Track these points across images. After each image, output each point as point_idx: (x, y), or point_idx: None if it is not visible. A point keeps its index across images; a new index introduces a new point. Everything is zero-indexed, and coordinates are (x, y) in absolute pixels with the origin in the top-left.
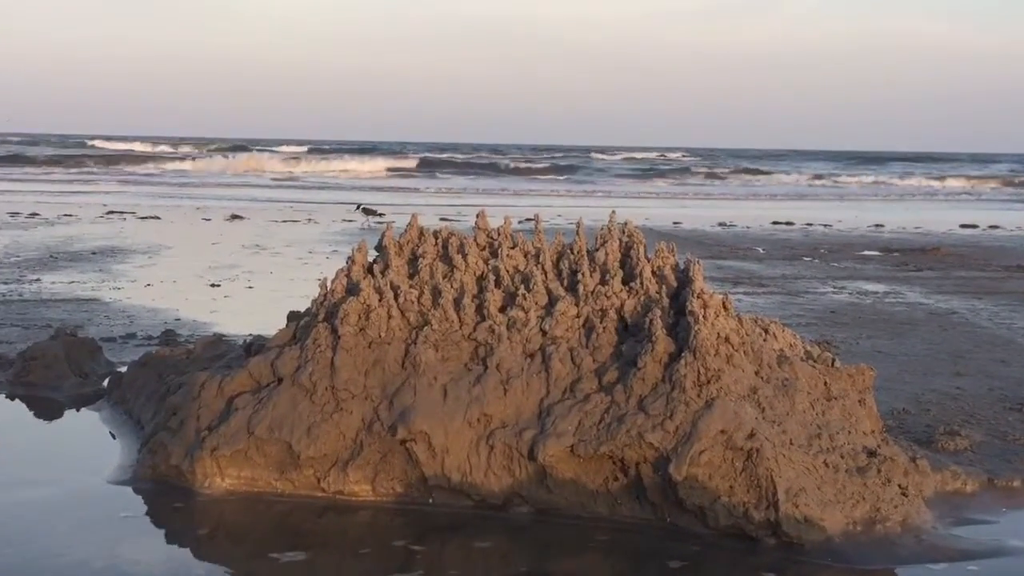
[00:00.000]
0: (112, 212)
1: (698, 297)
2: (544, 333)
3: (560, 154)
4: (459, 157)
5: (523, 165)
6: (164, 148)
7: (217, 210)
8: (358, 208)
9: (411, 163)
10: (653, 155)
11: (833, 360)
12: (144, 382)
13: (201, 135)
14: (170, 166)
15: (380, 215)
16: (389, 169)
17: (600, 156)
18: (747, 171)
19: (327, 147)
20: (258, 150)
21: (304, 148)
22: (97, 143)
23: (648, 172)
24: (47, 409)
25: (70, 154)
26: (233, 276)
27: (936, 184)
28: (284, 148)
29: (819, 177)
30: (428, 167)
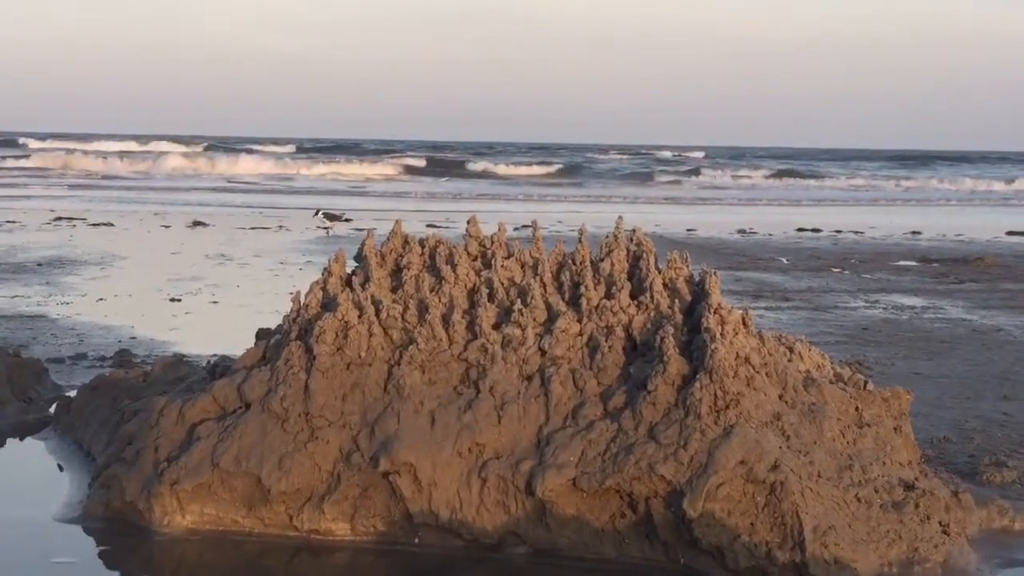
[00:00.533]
0: (60, 218)
1: (715, 313)
2: (543, 353)
3: (563, 153)
4: (450, 156)
5: (521, 165)
6: (125, 146)
7: (178, 216)
8: (317, 213)
9: (396, 165)
10: (668, 154)
11: (865, 383)
12: (95, 408)
13: (172, 132)
14: (127, 166)
15: (345, 220)
16: (373, 169)
17: (607, 156)
18: (770, 172)
19: (310, 146)
20: (230, 148)
21: (291, 148)
22: (32, 142)
23: (661, 173)
24: None
25: (9, 153)
26: (195, 289)
27: (981, 186)
28: (270, 148)
29: (850, 179)
30: (417, 168)
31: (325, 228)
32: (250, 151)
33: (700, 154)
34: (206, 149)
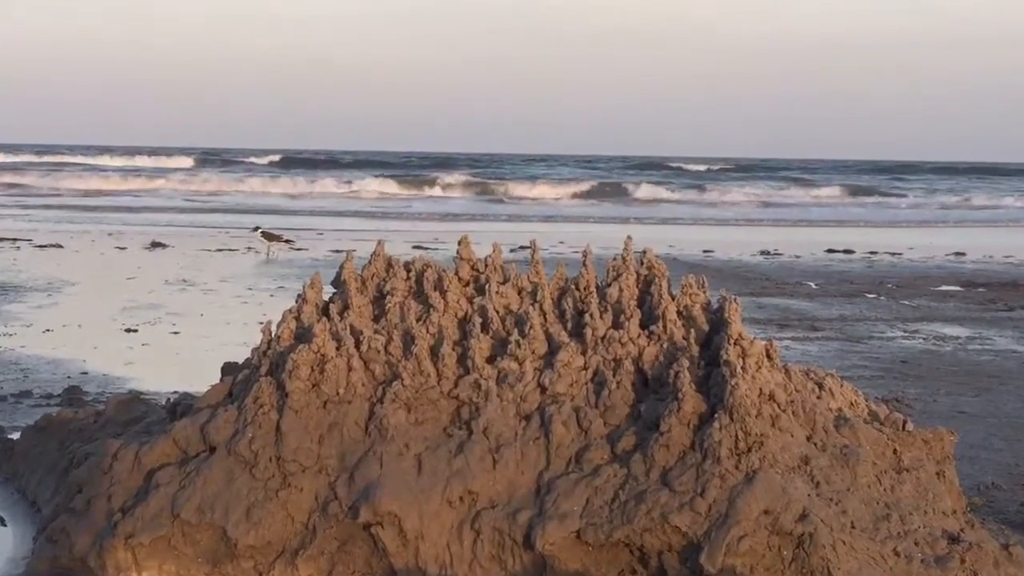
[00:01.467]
0: (2, 239)
1: (735, 344)
2: (543, 389)
3: (575, 166)
4: (442, 173)
5: (519, 176)
6: (77, 159)
7: (135, 236)
8: (255, 230)
9: (380, 181)
10: (701, 167)
11: (904, 422)
12: (41, 452)
13: (135, 142)
14: (79, 182)
15: (287, 241)
16: (347, 184)
17: (631, 174)
18: (795, 182)
19: (298, 156)
20: (202, 159)
21: (274, 158)
22: None
23: (672, 186)
24: None
25: None
26: (154, 319)
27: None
28: (243, 159)
29: (885, 194)
30: (405, 182)
31: (270, 245)
32: (226, 162)
33: (726, 166)
34: (169, 159)
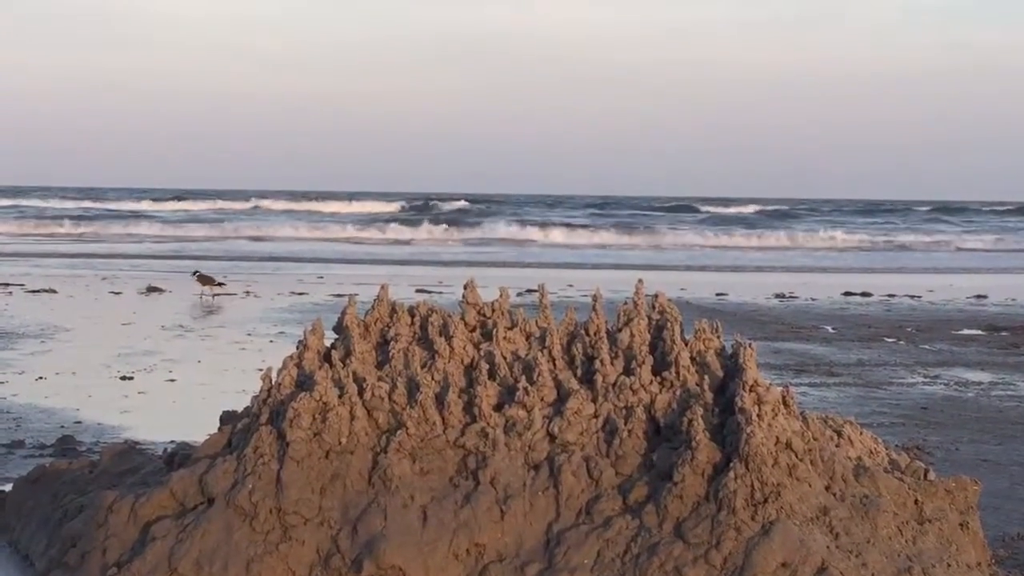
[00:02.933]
0: None
1: (750, 390)
2: (552, 438)
3: (583, 206)
4: (444, 210)
5: (523, 216)
6: (66, 205)
7: (130, 280)
8: (194, 275)
9: (378, 226)
10: (731, 209)
11: (926, 471)
12: (34, 504)
13: (131, 184)
14: (70, 226)
15: (219, 284)
16: (356, 223)
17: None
18: (813, 223)
19: (300, 195)
20: (205, 198)
21: (252, 202)
22: None
23: (683, 226)
24: None
25: None
26: (150, 366)
27: None
28: (229, 203)
29: (902, 232)
30: (409, 221)
31: (206, 288)
32: (218, 203)
33: (755, 208)
34: (174, 201)
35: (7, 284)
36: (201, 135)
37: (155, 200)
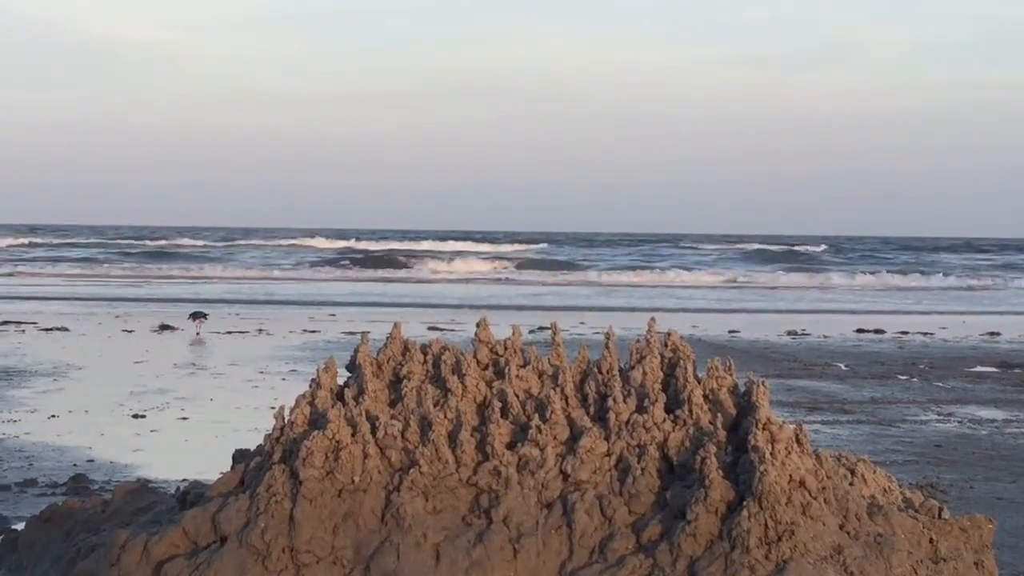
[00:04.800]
0: (6, 322)
1: (763, 428)
2: (565, 476)
3: (596, 244)
4: (456, 246)
5: (533, 255)
6: (75, 243)
7: (142, 318)
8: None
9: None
10: (729, 246)
11: (940, 510)
12: (47, 543)
13: (139, 222)
14: (82, 267)
15: (203, 316)
16: (351, 259)
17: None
18: (820, 262)
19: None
20: (217, 239)
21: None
22: None
23: (696, 264)
24: None
25: None
26: (162, 404)
27: None
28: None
29: (915, 271)
30: (417, 255)
31: (198, 322)
32: (230, 245)
33: (760, 245)
34: (173, 242)
35: (20, 322)
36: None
37: (180, 240)
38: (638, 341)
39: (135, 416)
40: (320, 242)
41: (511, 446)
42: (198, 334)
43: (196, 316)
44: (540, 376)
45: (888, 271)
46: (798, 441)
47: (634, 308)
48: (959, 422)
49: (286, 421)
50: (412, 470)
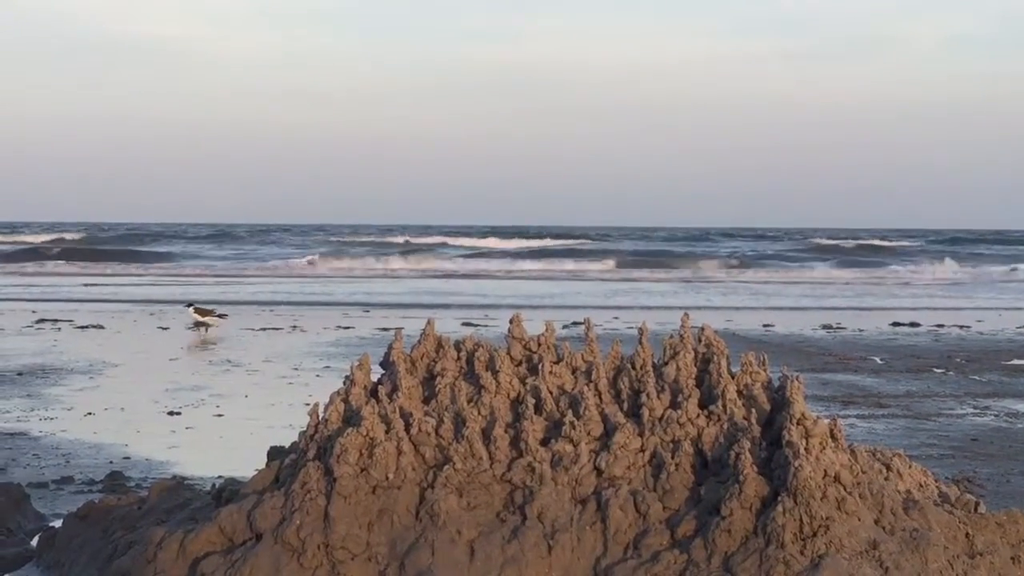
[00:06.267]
0: (43, 320)
1: (798, 424)
2: (599, 472)
3: (617, 236)
4: (486, 244)
5: (560, 245)
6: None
7: (177, 315)
8: (189, 306)
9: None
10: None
11: (977, 504)
12: (84, 540)
13: (172, 218)
14: (114, 263)
15: (221, 316)
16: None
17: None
18: (858, 254)
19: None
20: (245, 235)
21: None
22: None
23: (727, 258)
24: None
25: None
26: (197, 401)
27: None
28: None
29: (950, 260)
30: (445, 248)
31: (203, 322)
32: (264, 239)
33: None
34: (212, 236)
35: (56, 320)
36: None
37: (216, 235)
38: (672, 336)
39: (170, 413)
40: (401, 238)
41: (545, 442)
42: (205, 330)
43: (201, 312)
44: (574, 372)
45: (923, 263)
46: (833, 436)
47: (668, 306)
48: (996, 416)
49: (320, 418)
50: (446, 467)
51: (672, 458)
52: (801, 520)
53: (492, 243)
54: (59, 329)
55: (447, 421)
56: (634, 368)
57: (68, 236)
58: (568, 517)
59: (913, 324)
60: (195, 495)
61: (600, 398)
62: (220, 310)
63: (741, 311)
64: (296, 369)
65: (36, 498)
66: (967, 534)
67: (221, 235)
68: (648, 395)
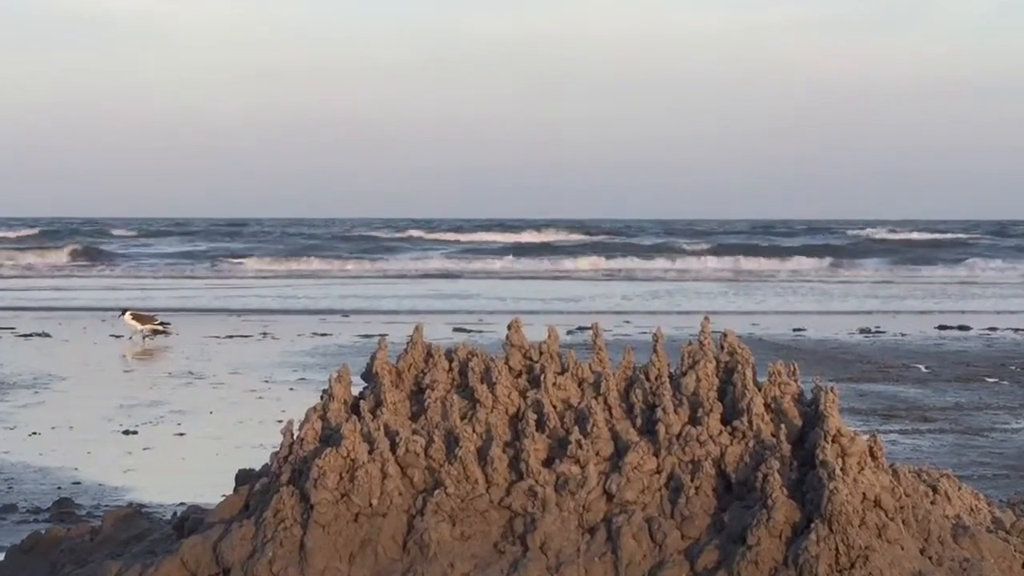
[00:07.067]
0: None
1: (833, 441)
2: (609, 496)
3: (624, 231)
4: (483, 238)
5: (559, 238)
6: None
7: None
8: (122, 315)
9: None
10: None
11: None
12: (30, 575)
13: (121, 214)
14: (61, 257)
15: (163, 324)
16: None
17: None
18: (896, 248)
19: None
20: (210, 233)
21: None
22: None
23: (752, 251)
24: None
25: None
26: (156, 418)
27: None
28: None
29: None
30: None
31: (141, 328)
32: (235, 233)
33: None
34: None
35: None
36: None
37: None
38: (690, 343)
39: (126, 432)
40: (422, 233)
41: (548, 463)
42: (144, 339)
43: (140, 319)
44: (580, 384)
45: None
46: (872, 455)
47: (686, 311)
48: None
49: (295, 437)
50: (437, 491)
51: (692, 480)
52: (837, 550)
53: (487, 237)
54: (0, 337)
55: (438, 440)
56: (648, 379)
57: (9, 235)
58: (575, 547)
59: (962, 328)
60: (154, 525)
61: (610, 413)
62: (169, 317)
63: (767, 315)
64: (267, 382)
65: None
66: None
67: (180, 231)
68: (664, 409)
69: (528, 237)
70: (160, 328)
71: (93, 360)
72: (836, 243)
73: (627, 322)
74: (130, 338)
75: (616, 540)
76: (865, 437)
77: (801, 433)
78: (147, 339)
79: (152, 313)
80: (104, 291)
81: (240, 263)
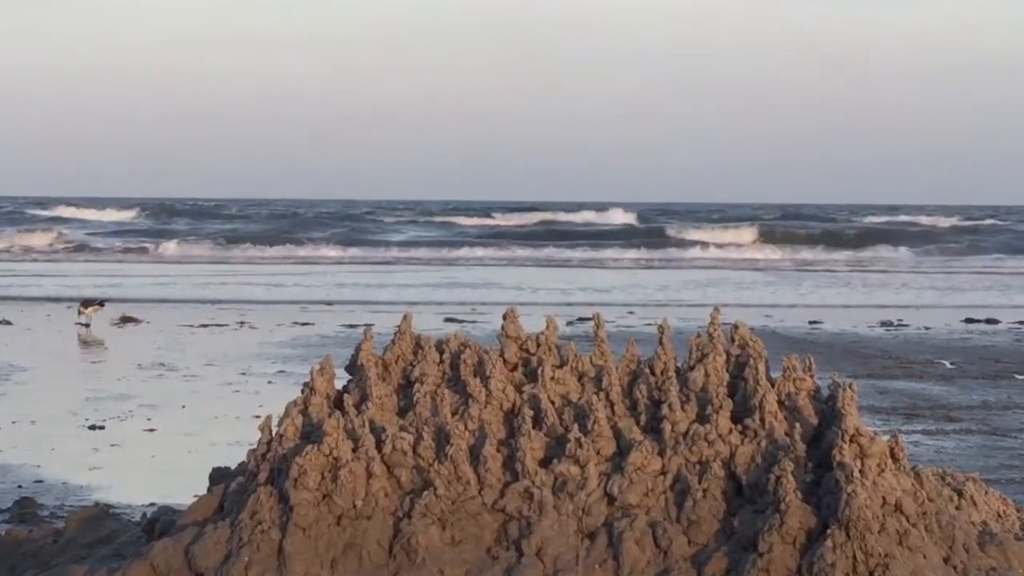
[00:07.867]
0: None
1: (851, 441)
2: (611, 499)
3: (630, 216)
4: (474, 223)
5: (562, 219)
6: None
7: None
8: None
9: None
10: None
11: None
12: None
13: (90, 192)
14: (25, 239)
15: (100, 303)
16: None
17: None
18: (917, 236)
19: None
20: (175, 212)
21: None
22: None
23: (770, 236)
24: None
25: None
26: (124, 413)
27: None
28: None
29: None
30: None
31: (87, 312)
32: (200, 215)
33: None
34: (142, 215)
35: None
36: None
37: (145, 213)
38: (699, 336)
39: (92, 428)
40: (462, 219)
41: (545, 463)
42: (87, 326)
43: (88, 304)
44: (580, 378)
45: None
46: (893, 456)
47: (693, 303)
48: None
49: (274, 434)
50: (426, 493)
51: (699, 482)
52: (855, 558)
53: (484, 221)
54: None
55: (427, 437)
56: (653, 374)
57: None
58: (573, 553)
59: (990, 321)
60: (122, 526)
61: (612, 410)
62: (140, 305)
63: (781, 307)
64: (244, 374)
65: None
66: None
67: (157, 210)
68: (670, 406)
69: (518, 220)
70: (97, 308)
71: (58, 351)
72: (852, 231)
73: (631, 312)
74: (87, 325)
75: (618, 546)
76: (886, 437)
77: (817, 432)
78: (83, 325)
79: (100, 298)
80: (77, 277)
81: (222, 245)
